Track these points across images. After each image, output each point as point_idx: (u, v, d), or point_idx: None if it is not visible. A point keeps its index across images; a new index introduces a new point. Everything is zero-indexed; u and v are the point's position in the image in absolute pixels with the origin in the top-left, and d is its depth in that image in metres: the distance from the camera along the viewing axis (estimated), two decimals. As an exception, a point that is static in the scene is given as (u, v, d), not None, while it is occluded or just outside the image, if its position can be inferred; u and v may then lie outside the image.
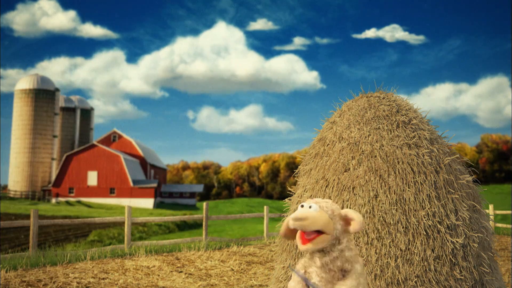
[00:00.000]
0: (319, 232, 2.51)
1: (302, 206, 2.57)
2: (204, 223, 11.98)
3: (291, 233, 2.71)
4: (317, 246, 2.51)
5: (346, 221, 2.61)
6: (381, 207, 4.40)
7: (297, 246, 4.86)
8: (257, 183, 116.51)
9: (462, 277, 4.24)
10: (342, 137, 5.00)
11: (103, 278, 7.05)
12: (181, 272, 7.84)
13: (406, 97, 5.44)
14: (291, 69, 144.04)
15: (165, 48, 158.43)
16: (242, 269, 8.29)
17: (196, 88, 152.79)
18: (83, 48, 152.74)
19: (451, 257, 4.27)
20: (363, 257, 4.29)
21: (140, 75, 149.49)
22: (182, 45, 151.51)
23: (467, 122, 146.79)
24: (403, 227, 4.33)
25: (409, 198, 4.42)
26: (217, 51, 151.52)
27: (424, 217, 4.35)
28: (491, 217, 7.78)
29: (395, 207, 4.37)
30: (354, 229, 2.55)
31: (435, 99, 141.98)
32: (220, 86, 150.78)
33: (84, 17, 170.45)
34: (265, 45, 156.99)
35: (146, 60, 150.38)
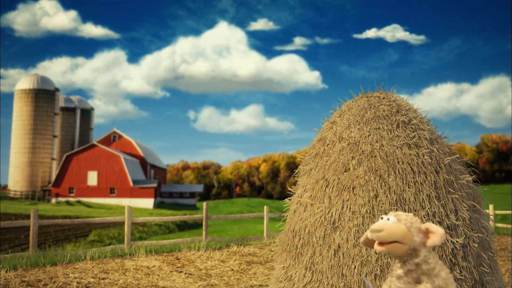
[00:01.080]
0: (396, 242, 2.58)
1: (382, 218, 2.66)
2: (204, 223, 11.97)
3: (370, 243, 2.79)
4: (389, 251, 2.57)
5: (426, 234, 2.64)
6: (381, 207, 4.40)
7: (297, 246, 4.86)
8: (257, 183, 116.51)
9: (462, 277, 4.24)
10: (342, 137, 5.00)
11: (103, 278, 7.05)
12: (181, 272, 7.84)
13: (406, 97, 5.44)
14: (292, 69, 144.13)
15: (166, 48, 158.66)
16: (242, 269, 8.29)
17: (198, 88, 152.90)
18: (84, 48, 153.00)
19: (451, 257, 4.27)
20: (363, 257, 4.29)
21: (141, 75, 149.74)
22: (183, 45, 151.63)
23: (468, 122, 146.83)
24: (403, 227, 4.33)
25: (409, 198, 4.42)
26: (218, 51, 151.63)
27: (424, 217, 4.35)
28: (491, 217, 7.78)
29: (395, 207, 4.37)
30: (433, 242, 2.58)
31: (437, 99, 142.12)
32: (222, 86, 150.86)
33: (85, 17, 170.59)
34: (265, 45, 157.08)
35: (148, 60, 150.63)
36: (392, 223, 2.59)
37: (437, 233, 2.59)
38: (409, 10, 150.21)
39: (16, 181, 66.14)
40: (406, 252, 2.58)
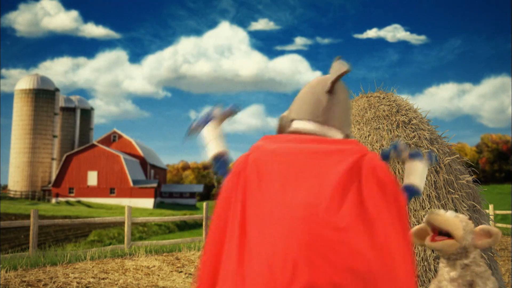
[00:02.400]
0: (449, 237, 2.59)
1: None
2: (204, 223, 11.98)
3: (422, 235, 2.76)
4: (441, 247, 2.58)
5: (479, 235, 2.65)
6: (381, 207, 4.40)
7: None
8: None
9: (462, 277, 4.24)
10: (342, 137, 5.00)
11: (103, 278, 7.05)
12: (181, 272, 7.84)
13: (406, 97, 5.44)
14: (294, 69, 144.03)
15: (169, 48, 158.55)
16: (242, 269, 8.30)
17: (200, 88, 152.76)
18: (86, 48, 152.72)
19: (451, 257, 4.26)
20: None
21: (144, 75, 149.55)
22: (186, 45, 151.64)
23: (470, 122, 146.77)
24: (403, 227, 4.32)
25: (409, 198, 4.41)
26: (220, 51, 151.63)
27: (424, 217, 4.35)
28: (491, 217, 7.78)
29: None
30: (487, 243, 2.60)
31: (439, 99, 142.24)
32: (224, 86, 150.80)
33: (86, 17, 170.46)
34: (266, 45, 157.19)
35: (150, 60, 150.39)
36: (450, 214, 2.61)
37: (493, 234, 2.60)
38: (409, 10, 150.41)
39: (16, 181, 66.16)
40: (457, 251, 2.58)
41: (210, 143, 1.97)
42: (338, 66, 1.72)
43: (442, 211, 2.63)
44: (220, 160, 1.93)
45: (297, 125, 1.73)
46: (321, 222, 1.43)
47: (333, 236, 1.42)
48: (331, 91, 1.71)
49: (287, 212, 1.47)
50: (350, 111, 1.77)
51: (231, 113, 2.08)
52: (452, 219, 2.58)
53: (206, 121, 2.01)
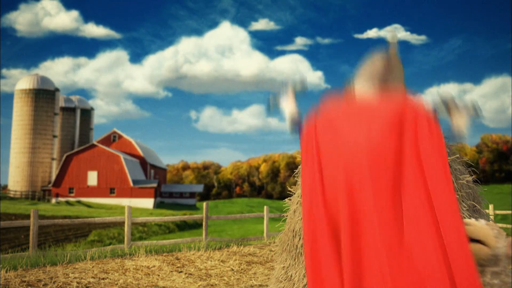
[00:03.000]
0: (481, 244, 2.59)
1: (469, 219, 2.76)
2: (204, 223, 11.98)
3: None
4: (473, 252, 2.55)
5: (510, 244, 2.63)
6: (381, 207, 4.40)
7: (297, 246, 4.86)
8: (257, 183, 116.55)
9: (462, 277, 4.24)
10: (342, 137, 5.00)
11: (103, 278, 7.05)
12: (181, 272, 7.85)
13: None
14: (295, 69, 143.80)
15: (169, 48, 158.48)
16: (242, 269, 8.30)
17: (201, 88, 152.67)
18: (86, 48, 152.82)
19: (451, 257, 4.26)
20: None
21: (144, 75, 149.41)
22: (186, 45, 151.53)
23: (471, 122, 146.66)
24: (403, 227, 4.31)
25: (409, 198, 4.41)
26: (221, 51, 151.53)
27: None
28: (491, 217, 7.77)
29: (395, 207, 4.37)
30: None
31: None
32: (224, 86, 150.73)
33: (87, 17, 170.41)
34: (267, 45, 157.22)
35: (151, 60, 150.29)
36: (481, 224, 2.60)
37: None
38: (409, 10, 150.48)
39: (16, 181, 66.19)
40: (487, 257, 2.56)
41: (287, 109, 2.72)
42: (391, 63, 2.54)
43: (473, 221, 2.61)
44: (295, 121, 2.67)
45: (359, 89, 2.43)
46: (380, 151, 2.23)
47: (391, 158, 2.23)
48: (386, 67, 2.39)
49: (353, 146, 2.24)
50: (400, 67, 2.55)
51: (301, 86, 2.84)
52: (484, 228, 2.57)
53: (282, 95, 2.77)
